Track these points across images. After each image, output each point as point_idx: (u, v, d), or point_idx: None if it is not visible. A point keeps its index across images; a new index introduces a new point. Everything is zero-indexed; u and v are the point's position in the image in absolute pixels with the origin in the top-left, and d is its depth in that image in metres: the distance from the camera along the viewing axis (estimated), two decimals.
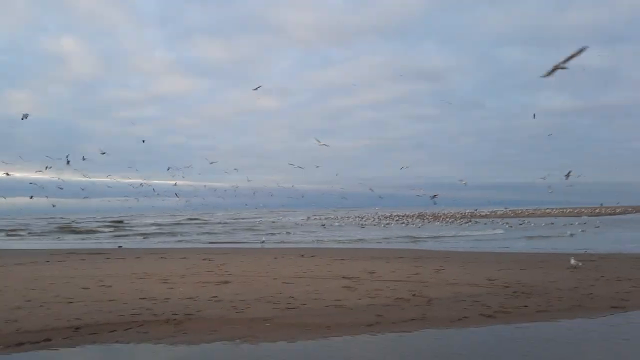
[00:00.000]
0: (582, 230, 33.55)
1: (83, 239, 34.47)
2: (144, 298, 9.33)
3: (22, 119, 16.15)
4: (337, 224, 51.14)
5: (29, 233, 41.45)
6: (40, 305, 8.63)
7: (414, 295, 9.69)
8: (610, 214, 67.96)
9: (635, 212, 73.20)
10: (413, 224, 48.02)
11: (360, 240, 29.97)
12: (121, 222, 56.07)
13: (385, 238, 30.88)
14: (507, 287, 10.50)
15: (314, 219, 65.52)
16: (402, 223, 49.83)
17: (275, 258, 17.43)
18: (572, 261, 13.46)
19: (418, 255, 18.39)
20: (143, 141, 24.21)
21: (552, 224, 44.23)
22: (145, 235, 36.87)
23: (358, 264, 15.14)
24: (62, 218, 69.86)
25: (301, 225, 49.64)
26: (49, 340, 6.64)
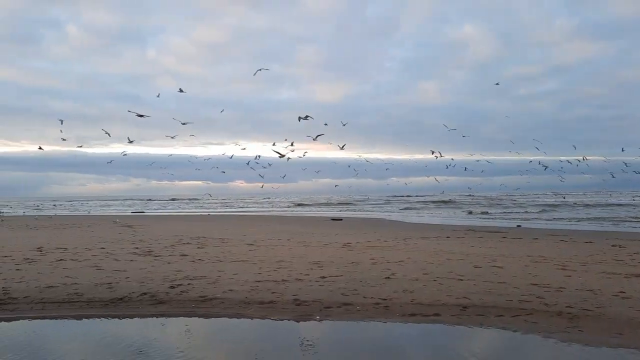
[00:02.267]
0: None
1: (483, 218, 35.60)
2: (535, 284, 8.63)
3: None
4: None
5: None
6: (434, 280, 9.11)
7: None
8: None
9: None
10: None
11: None
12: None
13: None
14: None
15: None
16: None
17: None
18: None
19: None
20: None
21: None
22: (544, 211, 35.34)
23: None
24: (470, 195, 74.78)
25: None
26: (438, 315, 6.85)
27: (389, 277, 9.37)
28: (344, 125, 20.48)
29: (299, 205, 64.69)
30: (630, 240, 16.22)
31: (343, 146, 20.19)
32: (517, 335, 6.10)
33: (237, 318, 6.88)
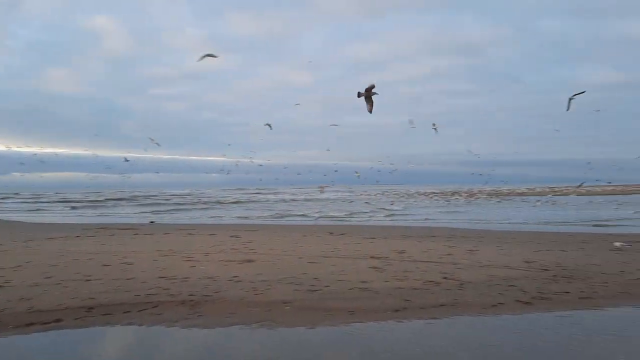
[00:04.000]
0: (636, 212, 29.27)
1: (121, 214, 34.95)
2: (163, 277, 9.07)
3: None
4: (371, 200, 50.69)
5: (72, 207, 42.70)
6: (58, 283, 8.45)
7: (445, 278, 9.14)
8: None
9: None
10: (447, 201, 47.39)
11: (392, 217, 29.51)
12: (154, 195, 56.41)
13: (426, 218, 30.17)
14: (546, 270, 9.82)
15: (349, 195, 65.18)
16: (437, 200, 49.15)
17: (304, 236, 17.04)
18: (617, 243, 12.60)
19: (451, 234, 17.70)
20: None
21: (591, 202, 42.70)
22: (178, 209, 37.35)
23: (388, 243, 14.62)
24: (98, 192, 71.69)
25: (337, 201, 49.24)
26: (60, 320, 6.41)
27: (2, 286, 8.18)
28: None
29: None
30: (245, 232, 18.71)
31: None
32: (143, 328, 6.30)
33: None
